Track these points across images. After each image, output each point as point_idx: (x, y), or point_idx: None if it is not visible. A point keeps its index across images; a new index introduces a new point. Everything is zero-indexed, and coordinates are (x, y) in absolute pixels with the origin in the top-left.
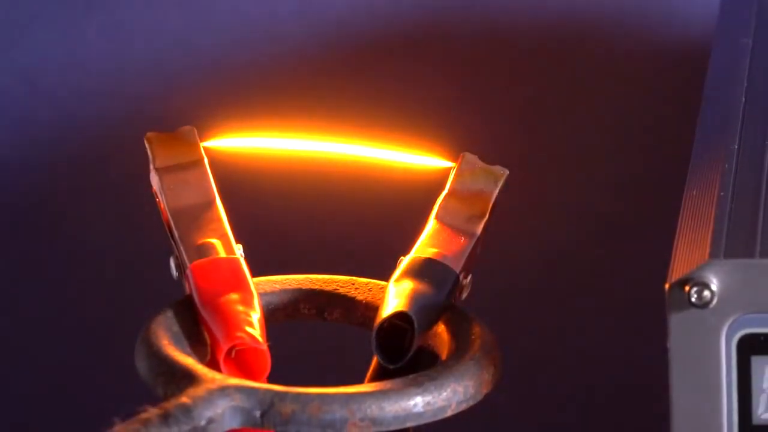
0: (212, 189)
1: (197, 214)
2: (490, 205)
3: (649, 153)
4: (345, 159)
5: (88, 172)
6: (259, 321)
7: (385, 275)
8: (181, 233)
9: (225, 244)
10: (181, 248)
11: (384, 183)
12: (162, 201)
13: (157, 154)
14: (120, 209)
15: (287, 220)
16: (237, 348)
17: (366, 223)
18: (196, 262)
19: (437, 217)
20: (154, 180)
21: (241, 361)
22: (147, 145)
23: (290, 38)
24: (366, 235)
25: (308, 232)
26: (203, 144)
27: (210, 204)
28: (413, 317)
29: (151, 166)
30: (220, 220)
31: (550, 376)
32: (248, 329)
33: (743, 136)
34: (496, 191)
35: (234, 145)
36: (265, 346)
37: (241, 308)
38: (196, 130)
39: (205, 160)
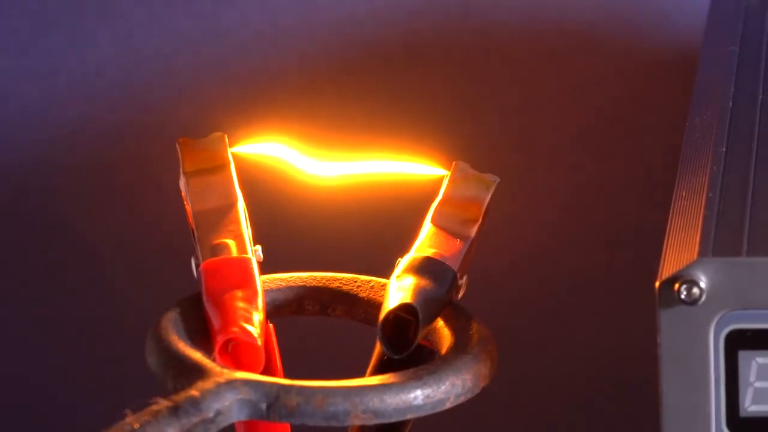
0: (235, 192)
1: (218, 216)
2: (483, 210)
3: (639, 155)
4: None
5: (100, 173)
6: (260, 321)
7: (386, 274)
8: (200, 234)
9: (239, 245)
10: (199, 248)
11: (384, 189)
12: (188, 203)
13: (186, 159)
14: (130, 210)
15: (292, 221)
16: (232, 342)
17: (367, 226)
18: (207, 261)
19: (433, 221)
20: (182, 183)
21: (236, 357)
22: (178, 150)
23: (292, 45)
24: (367, 237)
25: (313, 233)
26: (232, 149)
27: (231, 206)
28: (418, 309)
29: (180, 170)
30: (238, 221)
31: (544, 372)
32: (245, 325)
33: (731, 139)
34: (488, 197)
35: (261, 152)
36: (258, 342)
37: (241, 305)
38: (226, 136)
39: (232, 165)
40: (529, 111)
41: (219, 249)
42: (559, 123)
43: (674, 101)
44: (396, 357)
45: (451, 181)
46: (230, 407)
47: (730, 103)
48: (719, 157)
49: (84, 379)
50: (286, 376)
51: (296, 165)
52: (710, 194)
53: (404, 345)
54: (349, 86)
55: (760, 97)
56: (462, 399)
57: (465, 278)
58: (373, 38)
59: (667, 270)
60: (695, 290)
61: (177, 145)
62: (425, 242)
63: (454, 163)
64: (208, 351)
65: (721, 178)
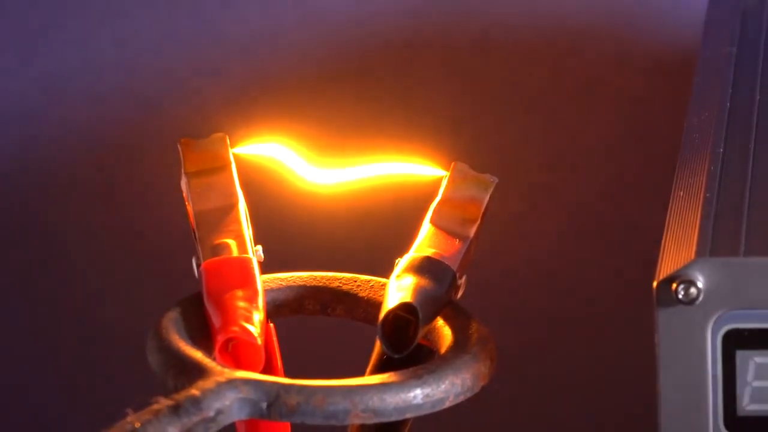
0: (236, 192)
1: (219, 217)
2: (482, 210)
3: (638, 156)
4: (349, 172)
5: (100, 173)
6: (260, 320)
7: (386, 274)
8: (201, 234)
9: (239, 245)
10: (200, 248)
11: (383, 190)
12: (189, 203)
13: (187, 159)
14: (131, 210)
15: (292, 221)
16: (233, 342)
17: (367, 226)
18: (207, 261)
19: (432, 222)
20: (183, 183)
21: (236, 356)
22: (179, 150)
23: (292, 46)
24: (367, 237)
25: (313, 233)
26: (233, 150)
27: (232, 207)
28: (418, 308)
29: (182, 171)
30: (238, 222)
31: (543, 371)
32: (245, 324)
33: (728, 139)
34: (487, 198)
35: (262, 153)
36: (259, 341)
37: (242, 304)
38: (227, 137)
39: (233, 165)
40: (529, 111)
41: (220, 249)
42: (558, 123)
43: (672, 102)
44: (396, 356)
45: (450, 181)
46: (231, 406)
47: (728, 104)
48: (717, 157)
49: (85, 379)
50: (287, 375)
51: (296, 171)
52: (708, 194)
53: (404, 344)
54: (349, 86)
55: (758, 98)
56: (461, 398)
57: (464, 278)
58: (373, 38)
59: (664, 270)
60: (693, 290)
61: (178, 146)
62: (424, 242)
63: (453, 163)
64: (208, 350)
65: (719, 179)
